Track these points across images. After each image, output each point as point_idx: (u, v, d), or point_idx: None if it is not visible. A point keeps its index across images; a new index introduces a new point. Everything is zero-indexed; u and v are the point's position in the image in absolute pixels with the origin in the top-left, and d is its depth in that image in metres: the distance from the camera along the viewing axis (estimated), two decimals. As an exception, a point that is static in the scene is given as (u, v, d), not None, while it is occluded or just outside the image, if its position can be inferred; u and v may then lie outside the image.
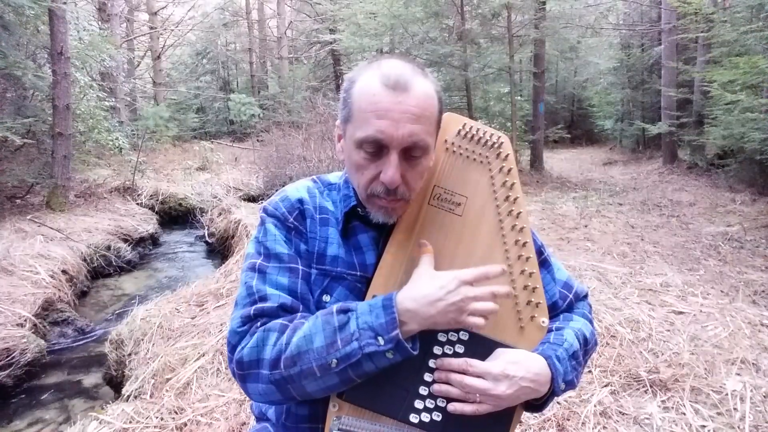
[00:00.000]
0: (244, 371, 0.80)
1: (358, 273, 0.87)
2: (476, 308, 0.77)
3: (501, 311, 0.87)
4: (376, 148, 0.79)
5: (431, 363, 0.83)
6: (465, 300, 0.76)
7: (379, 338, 0.74)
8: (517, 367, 0.81)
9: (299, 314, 0.83)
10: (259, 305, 0.83)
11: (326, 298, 0.86)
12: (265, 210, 0.92)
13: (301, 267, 0.87)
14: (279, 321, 0.81)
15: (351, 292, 0.87)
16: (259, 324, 0.81)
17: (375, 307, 0.77)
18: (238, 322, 0.82)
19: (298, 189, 0.94)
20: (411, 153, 0.79)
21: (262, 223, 0.91)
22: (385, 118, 0.76)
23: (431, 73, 0.85)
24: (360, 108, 0.79)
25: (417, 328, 0.77)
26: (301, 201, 0.91)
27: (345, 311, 0.78)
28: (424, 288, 0.77)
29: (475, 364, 0.81)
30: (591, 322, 0.99)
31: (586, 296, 1.05)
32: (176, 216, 8.42)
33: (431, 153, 0.83)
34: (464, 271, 0.78)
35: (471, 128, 0.90)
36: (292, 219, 0.89)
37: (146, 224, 7.06)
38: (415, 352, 0.77)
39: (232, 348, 0.82)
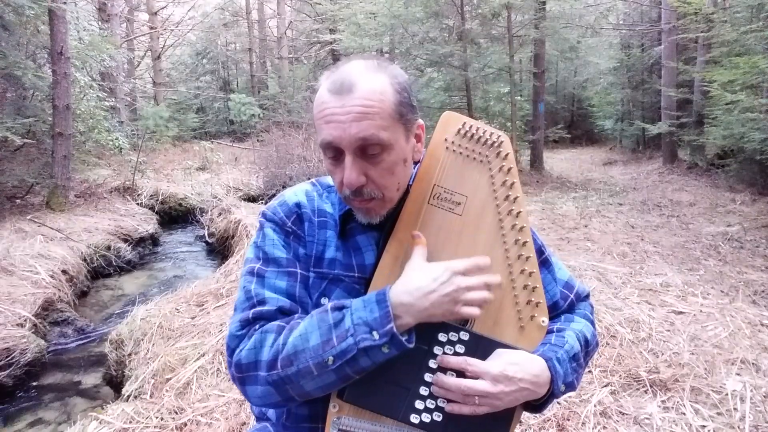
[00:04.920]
0: (243, 374, 0.80)
1: (356, 274, 0.88)
2: (470, 298, 0.78)
3: (501, 311, 0.87)
4: (335, 153, 0.81)
5: (431, 363, 0.83)
6: (459, 290, 0.77)
7: (374, 333, 0.74)
8: (516, 368, 0.80)
9: (296, 315, 0.84)
10: (258, 309, 0.83)
11: (324, 300, 0.87)
12: (263, 215, 0.93)
13: (299, 271, 0.88)
14: (276, 323, 0.82)
15: (349, 294, 0.87)
16: (257, 327, 0.82)
17: (369, 302, 0.77)
18: (237, 325, 0.83)
19: (296, 193, 0.95)
20: (368, 151, 0.80)
21: (261, 227, 0.92)
22: (332, 122, 0.78)
23: (397, 66, 0.86)
24: (315, 116, 0.83)
25: (413, 321, 0.77)
26: (298, 205, 0.92)
27: (340, 308, 0.79)
28: (417, 280, 0.77)
29: (474, 363, 0.81)
30: (592, 323, 0.99)
31: (587, 296, 1.04)
32: (176, 216, 8.39)
33: (394, 147, 0.81)
34: (455, 262, 0.80)
35: (471, 127, 0.89)
36: (290, 223, 0.90)
37: (146, 224, 7.04)
38: (411, 345, 0.77)
39: (231, 351, 0.82)
